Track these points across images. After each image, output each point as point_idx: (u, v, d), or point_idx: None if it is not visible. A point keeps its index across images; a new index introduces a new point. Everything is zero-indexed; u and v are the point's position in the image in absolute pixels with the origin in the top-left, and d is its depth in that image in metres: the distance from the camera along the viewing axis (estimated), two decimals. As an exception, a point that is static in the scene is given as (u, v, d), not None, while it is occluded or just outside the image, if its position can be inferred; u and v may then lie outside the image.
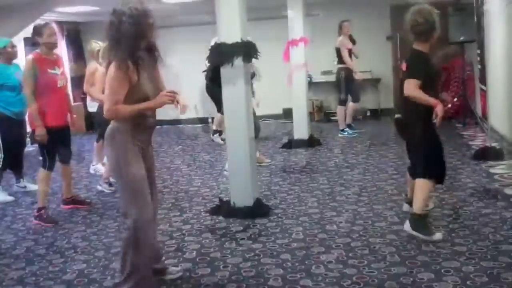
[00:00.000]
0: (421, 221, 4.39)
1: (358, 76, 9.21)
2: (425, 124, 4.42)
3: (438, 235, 4.33)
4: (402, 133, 4.80)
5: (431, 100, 4.32)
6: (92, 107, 7.27)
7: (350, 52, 9.25)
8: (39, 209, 5.52)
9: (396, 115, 4.75)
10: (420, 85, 4.30)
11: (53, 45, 5.56)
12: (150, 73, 3.58)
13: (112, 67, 3.39)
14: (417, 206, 4.39)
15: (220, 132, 9.25)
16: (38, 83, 5.35)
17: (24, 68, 5.51)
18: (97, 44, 6.87)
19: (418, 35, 4.40)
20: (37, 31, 5.48)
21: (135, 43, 3.40)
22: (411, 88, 4.32)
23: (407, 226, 4.43)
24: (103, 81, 6.21)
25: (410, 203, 4.85)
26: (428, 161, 4.45)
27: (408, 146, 4.80)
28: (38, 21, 9.75)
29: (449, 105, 8.91)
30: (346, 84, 9.23)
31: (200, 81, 9.19)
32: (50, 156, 5.54)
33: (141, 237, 3.50)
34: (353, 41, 9.38)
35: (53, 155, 5.57)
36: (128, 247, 3.52)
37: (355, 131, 9.52)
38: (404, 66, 4.50)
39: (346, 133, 9.34)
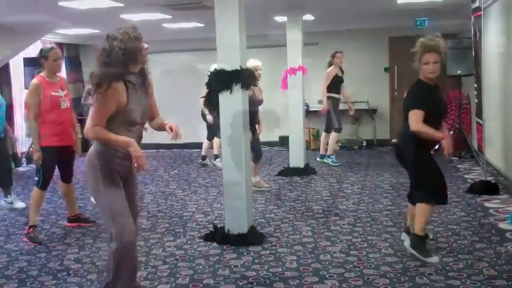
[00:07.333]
0: (420, 242, 4.57)
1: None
2: (419, 149, 4.52)
3: (435, 258, 4.52)
4: (399, 157, 4.85)
5: (437, 135, 4.45)
6: None
7: (338, 81, 9.29)
8: (29, 227, 5.59)
9: (395, 140, 4.83)
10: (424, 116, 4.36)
11: (57, 69, 5.68)
12: (140, 99, 3.56)
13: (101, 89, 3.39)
14: (418, 227, 4.55)
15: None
16: (42, 105, 5.47)
17: (29, 91, 5.61)
18: None
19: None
20: (43, 54, 5.57)
21: (124, 67, 3.42)
22: (415, 121, 4.35)
23: (407, 243, 4.68)
24: None
25: (408, 232, 4.86)
26: (426, 186, 4.57)
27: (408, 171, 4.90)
28: (39, 42, 9.89)
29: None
30: (335, 113, 9.27)
31: (197, 106, 9.20)
32: (45, 176, 5.59)
33: (122, 260, 3.49)
34: (342, 71, 9.45)
35: (48, 175, 5.62)
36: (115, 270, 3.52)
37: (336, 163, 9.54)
38: (405, 94, 4.61)
39: (330, 159, 9.33)
